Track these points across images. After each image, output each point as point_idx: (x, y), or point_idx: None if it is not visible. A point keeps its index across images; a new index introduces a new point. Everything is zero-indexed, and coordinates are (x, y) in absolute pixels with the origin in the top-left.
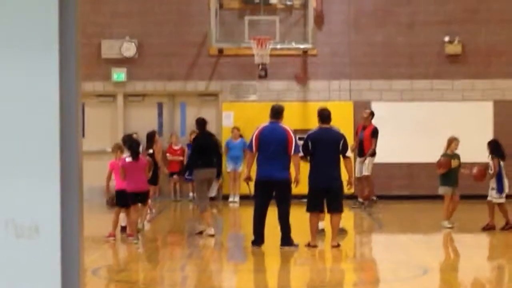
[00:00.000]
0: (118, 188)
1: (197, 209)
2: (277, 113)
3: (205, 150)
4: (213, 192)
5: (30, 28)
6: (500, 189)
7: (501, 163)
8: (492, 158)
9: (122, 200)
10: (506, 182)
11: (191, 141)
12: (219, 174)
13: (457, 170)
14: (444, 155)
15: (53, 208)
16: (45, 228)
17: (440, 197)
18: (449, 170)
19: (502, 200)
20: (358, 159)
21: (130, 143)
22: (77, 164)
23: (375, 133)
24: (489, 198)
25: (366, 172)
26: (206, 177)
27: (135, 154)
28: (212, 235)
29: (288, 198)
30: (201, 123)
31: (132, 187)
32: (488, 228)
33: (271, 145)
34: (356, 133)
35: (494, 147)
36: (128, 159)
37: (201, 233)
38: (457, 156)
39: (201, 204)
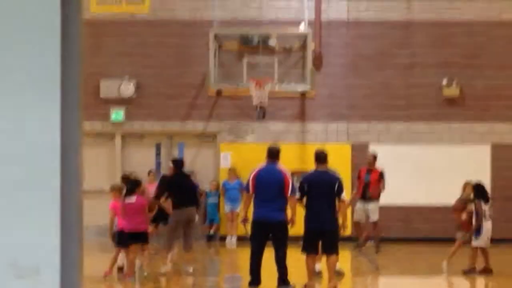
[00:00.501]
0: (119, 228)
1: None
2: (273, 154)
3: (182, 189)
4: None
5: (31, 69)
6: (477, 233)
7: (483, 206)
8: (474, 201)
9: (122, 240)
10: (485, 225)
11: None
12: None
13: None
14: (460, 199)
15: (53, 248)
16: (45, 269)
17: (436, 240)
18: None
19: (477, 244)
20: (360, 203)
21: (127, 182)
22: (77, 205)
23: (382, 175)
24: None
25: (375, 218)
26: (183, 218)
27: (128, 192)
28: (164, 274)
29: (285, 240)
30: (179, 163)
31: (130, 227)
32: (483, 271)
33: (268, 187)
34: (358, 177)
35: (478, 190)
36: (128, 200)
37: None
38: (471, 201)
39: (167, 241)
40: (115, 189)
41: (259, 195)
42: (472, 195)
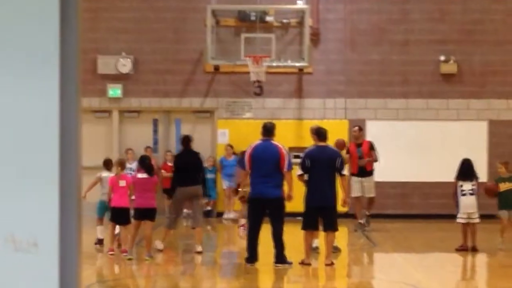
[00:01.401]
0: (114, 205)
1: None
2: (268, 130)
3: (187, 167)
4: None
5: (30, 45)
6: (457, 209)
7: (460, 183)
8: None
9: (118, 217)
10: (462, 202)
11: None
12: (204, 192)
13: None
14: (498, 179)
15: (51, 222)
16: (43, 243)
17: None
18: (500, 193)
19: (459, 220)
20: (355, 178)
21: (143, 159)
22: (76, 179)
23: (373, 146)
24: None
25: (371, 194)
26: (186, 196)
27: (149, 170)
28: (161, 250)
29: (281, 216)
30: (184, 140)
31: (140, 203)
32: (461, 249)
33: (264, 163)
34: (350, 155)
35: (459, 167)
36: (141, 175)
37: (200, 252)
38: (508, 179)
39: (168, 219)
40: (117, 165)
41: (255, 171)
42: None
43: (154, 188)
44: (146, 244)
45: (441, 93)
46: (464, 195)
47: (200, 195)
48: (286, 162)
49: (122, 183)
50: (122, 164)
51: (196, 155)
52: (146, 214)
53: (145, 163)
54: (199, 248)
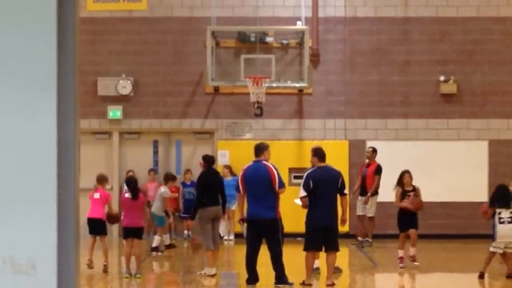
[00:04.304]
0: (89, 216)
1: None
2: (258, 150)
3: (210, 188)
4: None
5: (28, 67)
6: (492, 237)
7: (498, 210)
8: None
9: (92, 228)
10: (498, 230)
11: (185, 180)
12: (224, 212)
13: None
14: None
15: (49, 245)
16: (41, 265)
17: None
18: None
19: (492, 249)
20: (360, 198)
21: (129, 181)
22: (74, 202)
23: (378, 170)
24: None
25: (370, 213)
26: (210, 216)
27: (134, 193)
28: (213, 275)
29: (277, 237)
30: (208, 160)
31: (128, 222)
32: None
33: (256, 185)
34: (359, 172)
35: (493, 194)
36: (128, 195)
37: (214, 275)
38: None
39: (204, 242)
40: (98, 180)
41: (249, 193)
42: None
43: (140, 208)
44: (136, 262)
45: (441, 113)
46: (502, 223)
47: (220, 216)
48: (276, 181)
49: (97, 195)
50: (99, 180)
51: (217, 175)
52: (134, 232)
53: (130, 186)
54: (213, 271)
